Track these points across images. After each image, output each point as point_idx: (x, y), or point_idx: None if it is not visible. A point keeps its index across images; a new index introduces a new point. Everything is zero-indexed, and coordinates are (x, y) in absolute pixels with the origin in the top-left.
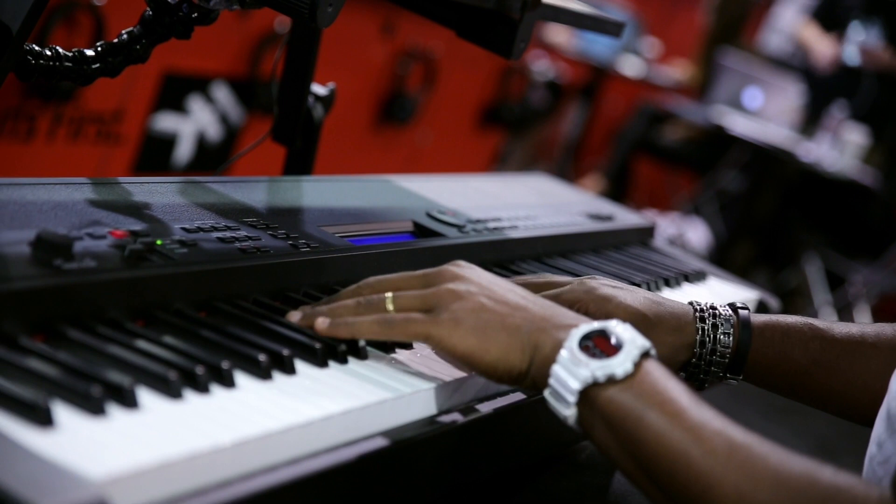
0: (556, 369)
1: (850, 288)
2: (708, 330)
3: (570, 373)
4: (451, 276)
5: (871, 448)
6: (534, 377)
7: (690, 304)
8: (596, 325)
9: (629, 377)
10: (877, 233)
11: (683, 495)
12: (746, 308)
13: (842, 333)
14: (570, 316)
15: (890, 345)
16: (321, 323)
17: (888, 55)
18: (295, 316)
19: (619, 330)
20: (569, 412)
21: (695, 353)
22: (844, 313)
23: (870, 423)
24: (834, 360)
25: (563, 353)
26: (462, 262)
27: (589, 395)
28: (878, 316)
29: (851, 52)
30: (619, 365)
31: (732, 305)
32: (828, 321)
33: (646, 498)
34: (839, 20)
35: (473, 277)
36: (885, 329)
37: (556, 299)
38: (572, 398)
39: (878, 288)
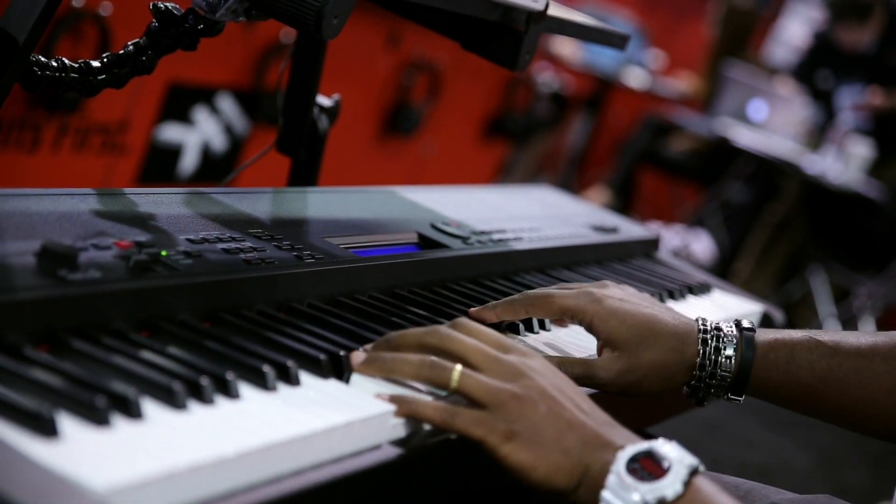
0: (607, 495)
1: (854, 300)
2: (709, 353)
3: (621, 499)
4: (517, 372)
5: None
6: (582, 499)
7: (696, 321)
8: (643, 446)
9: (680, 498)
10: (882, 245)
11: None
12: (752, 329)
13: (850, 348)
14: (620, 435)
15: None
16: (393, 399)
17: (880, 97)
18: (358, 358)
19: (666, 449)
20: None
21: (694, 375)
22: (849, 326)
23: (884, 437)
24: (843, 377)
25: (612, 478)
26: (530, 353)
27: None
28: (882, 328)
29: (848, 117)
30: (669, 486)
31: (739, 324)
32: (836, 335)
33: None
34: (825, 91)
35: (537, 380)
36: None
37: (563, 301)
38: None
39: (882, 300)
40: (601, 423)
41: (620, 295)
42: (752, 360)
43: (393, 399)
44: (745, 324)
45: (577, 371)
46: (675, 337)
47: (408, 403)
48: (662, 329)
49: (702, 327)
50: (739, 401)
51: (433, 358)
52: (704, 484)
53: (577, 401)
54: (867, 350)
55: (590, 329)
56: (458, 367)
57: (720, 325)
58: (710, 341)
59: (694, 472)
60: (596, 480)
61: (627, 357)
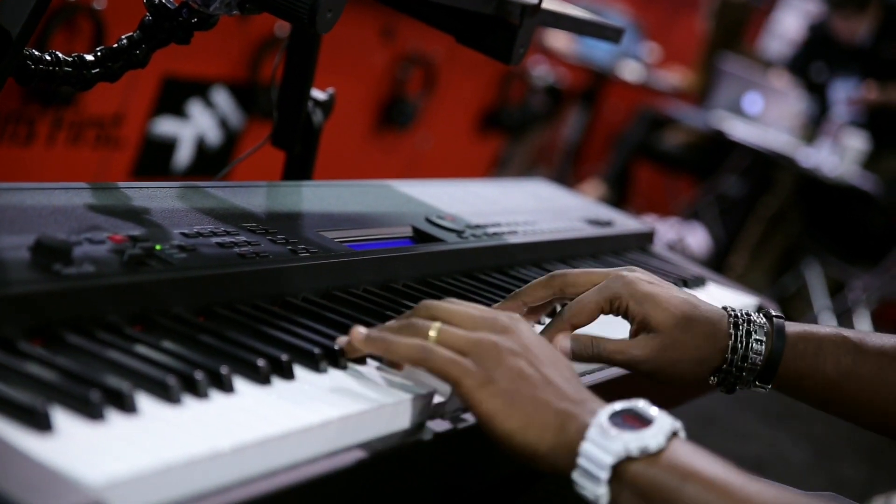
0: (586, 447)
1: (849, 293)
2: (741, 336)
3: (602, 448)
4: (501, 327)
5: None
6: (555, 459)
7: (724, 308)
8: (625, 403)
9: (662, 451)
10: (876, 238)
11: None
12: (782, 317)
13: (875, 347)
14: (598, 402)
15: None
16: (358, 333)
17: (875, 92)
18: (343, 340)
19: (650, 409)
20: (601, 490)
21: (726, 358)
22: (844, 319)
23: None
24: (866, 374)
25: (593, 430)
26: (516, 316)
27: (621, 471)
28: (878, 322)
29: (843, 111)
30: (653, 437)
31: (767, 313)
32: (862, 334)
33: None
34: (819, 84)
35: (521, 337)
36: None
37: (598, 295)
38: (605, 475)
39: (877, 293)
40: (580, 389)
41: (651, 279)
42: (782, 348)
43: (367, 338)
44: (774, 312)
45: (610, 347)
46: (708, 322)
47: (381, 342)
48: (696, 314)
49: (732, 313)
50: (766, 389)
51: (411, 319)
52: (684, 443)
53: (559, 365)
54: (891, 350)
55: (624, 313)
56: (437, 322)
57: (749, 312)
58: (741, 325)
59: (675, 434)
60: (573, 438)
61: (663, 338)
